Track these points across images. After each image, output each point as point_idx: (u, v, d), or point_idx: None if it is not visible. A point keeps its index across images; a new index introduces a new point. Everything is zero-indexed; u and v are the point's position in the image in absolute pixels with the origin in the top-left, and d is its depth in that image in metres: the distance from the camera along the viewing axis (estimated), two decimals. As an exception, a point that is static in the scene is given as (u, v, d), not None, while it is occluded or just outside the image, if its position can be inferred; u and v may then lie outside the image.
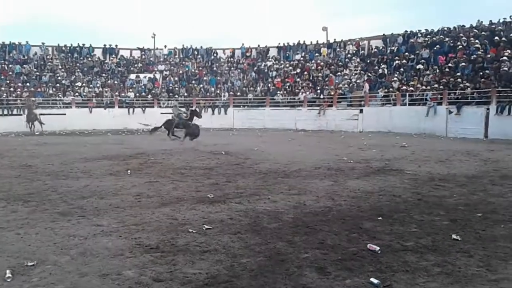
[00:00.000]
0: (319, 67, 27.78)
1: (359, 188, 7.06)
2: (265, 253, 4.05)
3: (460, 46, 21.40)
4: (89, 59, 30.80)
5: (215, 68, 30.97)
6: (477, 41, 20.95)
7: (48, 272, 3.59)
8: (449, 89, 19.04)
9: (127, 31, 60.87)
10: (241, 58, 31.77)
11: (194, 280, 3.43)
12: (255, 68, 30.27)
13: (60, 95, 26.52)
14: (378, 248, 4.07)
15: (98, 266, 3.72)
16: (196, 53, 32.59)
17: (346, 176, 8.26)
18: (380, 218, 5.22)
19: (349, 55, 28.11)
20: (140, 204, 6.02)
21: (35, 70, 28.67)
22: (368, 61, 26.63)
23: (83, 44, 31.44)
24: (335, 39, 30.08)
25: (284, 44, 31.40)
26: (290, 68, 28.82)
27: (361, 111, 22.61)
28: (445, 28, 25.05)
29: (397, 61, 24.02)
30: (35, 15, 60.18)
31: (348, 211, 5.61)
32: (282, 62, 30.25)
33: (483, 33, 21.76)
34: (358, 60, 27.32)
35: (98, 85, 28.11)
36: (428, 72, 21.79)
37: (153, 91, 28.05)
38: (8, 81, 26.55)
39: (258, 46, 32.07)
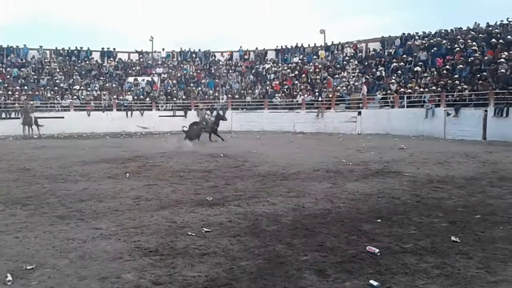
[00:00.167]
0: (317, 70, 27.79)
1: (358, 190, 7.06)
2: (264, 255, 4.05)
3: (458, 48, 21.45)
4: (87, 62, 30.72)
5: (213, 71, 30.93)
6: (474, 43, 21.01)
7: (47, 276, 3.58)
8: (447, 91, 19.08)
9: (125, 34, 60.90)
10: (239, 60, 31.76)
11: (194, 283, 3.43)
12: (253, 71, 30.25)
13: (58, 98, 26.41)
14: (377, 250, 4.08)
15: (97, 269, 3.72)
16: (194, 56, 32.52)
17: (345, 178, 8.26)
18: (379, 220, 5.23)
19: (347, 58, 28.15)
20: (139, 207, 6.02)
21: (33, 73, 28.56)
22: (366, 63, 26.69)
23: (81, 47, 31.38)
24: (333, 42, 30.15)
25: (282, 46, 31.43)
26: (288, 70, 28.82)
27: (359, 113, 22.64)
28: (443, 30, 25.11)
29: (395, 64, 24.07)
30: (35, 15, 60.26)
31: (347, 213, 5.62)
32: (280, 64, 30.23)
33: (480, 35, 21.83)
34: (356, 62, 27.36)
35: (96, 88, 28.03)
36: (425, 74, 21.84)
37: (151, 94, 28.02)
38: (6, 85, 26.43)
39: (256, 48, 32.09)
